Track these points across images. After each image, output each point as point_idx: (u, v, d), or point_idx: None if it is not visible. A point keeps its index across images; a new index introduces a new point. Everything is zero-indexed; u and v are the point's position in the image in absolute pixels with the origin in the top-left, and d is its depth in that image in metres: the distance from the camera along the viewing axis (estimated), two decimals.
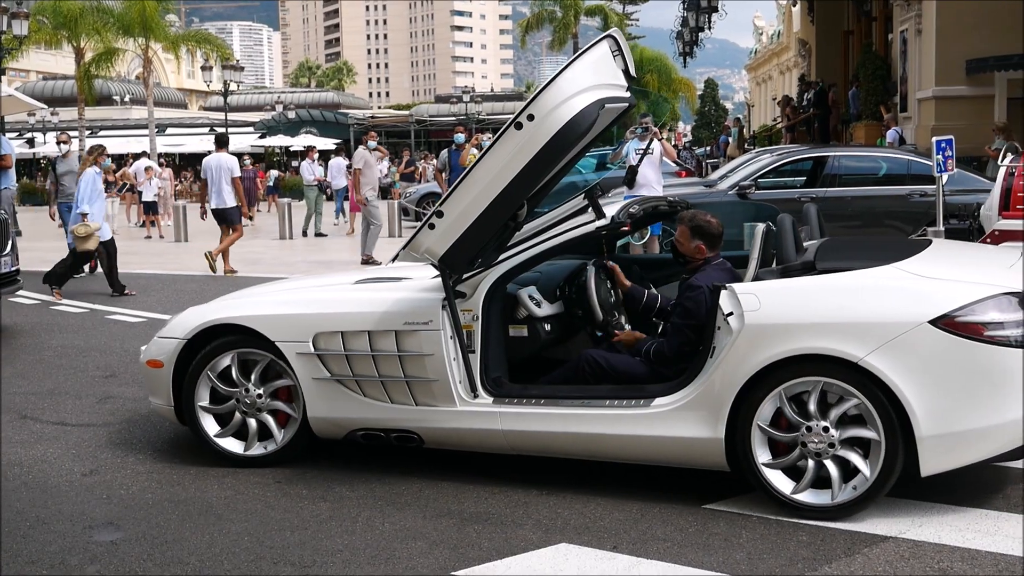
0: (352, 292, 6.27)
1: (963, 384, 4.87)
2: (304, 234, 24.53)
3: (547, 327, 6.11)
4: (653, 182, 13.88)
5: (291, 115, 60.76)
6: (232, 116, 54.70)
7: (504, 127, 5.27)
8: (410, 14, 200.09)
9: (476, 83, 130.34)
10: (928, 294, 4.98)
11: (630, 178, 14.09)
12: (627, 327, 6.32)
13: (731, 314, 5.18)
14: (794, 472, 5.17)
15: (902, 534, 4.89)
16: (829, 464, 5.06)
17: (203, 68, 50.25)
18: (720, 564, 4.60)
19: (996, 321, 4.86)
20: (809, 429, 5.05)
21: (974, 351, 4.84)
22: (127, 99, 70.18)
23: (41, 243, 21.21)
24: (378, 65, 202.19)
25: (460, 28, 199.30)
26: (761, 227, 5.85)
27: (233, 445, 6.18)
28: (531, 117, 5.15)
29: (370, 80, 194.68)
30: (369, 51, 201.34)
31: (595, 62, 5.34)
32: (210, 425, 6.21)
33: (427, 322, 5.68)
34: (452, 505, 5.40)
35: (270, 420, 6.14)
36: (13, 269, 11.25)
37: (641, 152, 13.97)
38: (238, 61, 51.49)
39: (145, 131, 48.51)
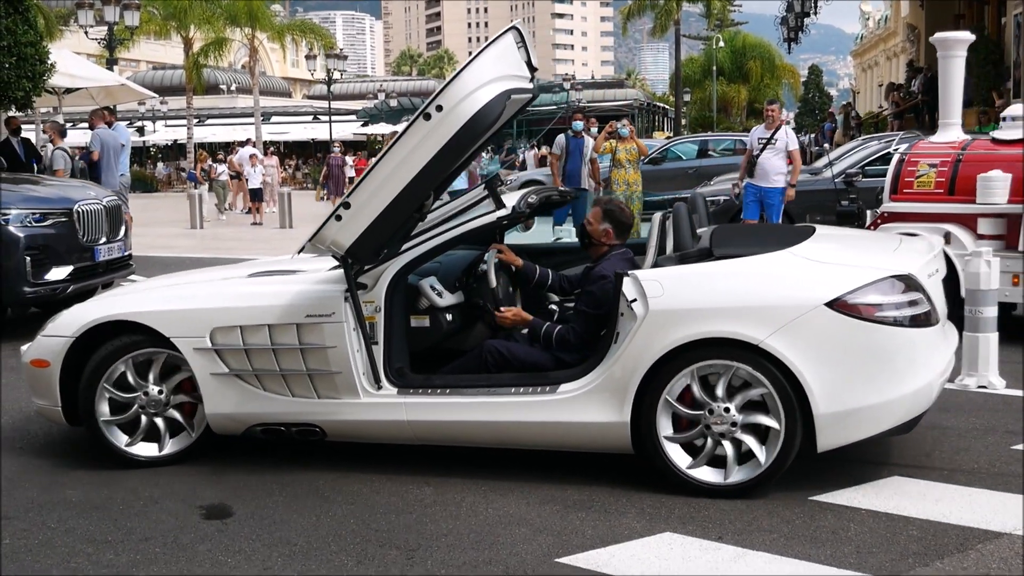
0: (249, 286, 6.16)
1: (856, 363, 5.11)
2: None
3: (449, 317, 6.11)
4: (772, 172, 13.55)
5: (393, 103, 61.21)
6: (335, 104, 55.33)
7: (412, 118, 5.31)
8: (511, 2, 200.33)
9: (576, 70, 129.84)
10: (822, 278, 5.21)
11: (750, 167, 13.86)
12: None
13: (635, 300, 5.30)
14: (694, 451, 5.32)
15: (1016, 530, 4.76)
16: (727, 444, 5.23)
17: (307, 57, 50.88)
18: (828, 558, 4.53)
19: (886, 302, 5.12)
20: (711, 411, 5.21)
21: (866, 331, 5.09)
22: (233, 88, 71.45)
23: (151, 229, 21.74)
24: None
25: (561, 16, 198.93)
26: (659, 215, 6.05)
27: (147, 450, 6.06)
28: (440, 108, 5.20)
29: None
30: (470, 39, 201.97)
31: (501, 53, 5.38)
32: (118, 437, 6.06)
33: (329, 314, 5.67)
34: (556, 492, 5.40)
35: (178, 415, 6.07)
36: (126, 254, 11.60)
37: (764, 141, 13.69)
38: (341, 50, 52.05)
39: (250, 119, 49.37)
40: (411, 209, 5.59)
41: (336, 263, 5.82)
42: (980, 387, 7.36)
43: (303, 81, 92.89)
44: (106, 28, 28.15)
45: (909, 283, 5.25)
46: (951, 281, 8.99)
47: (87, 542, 4.93)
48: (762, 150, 13.61)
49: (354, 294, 5.65)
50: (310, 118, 63.69)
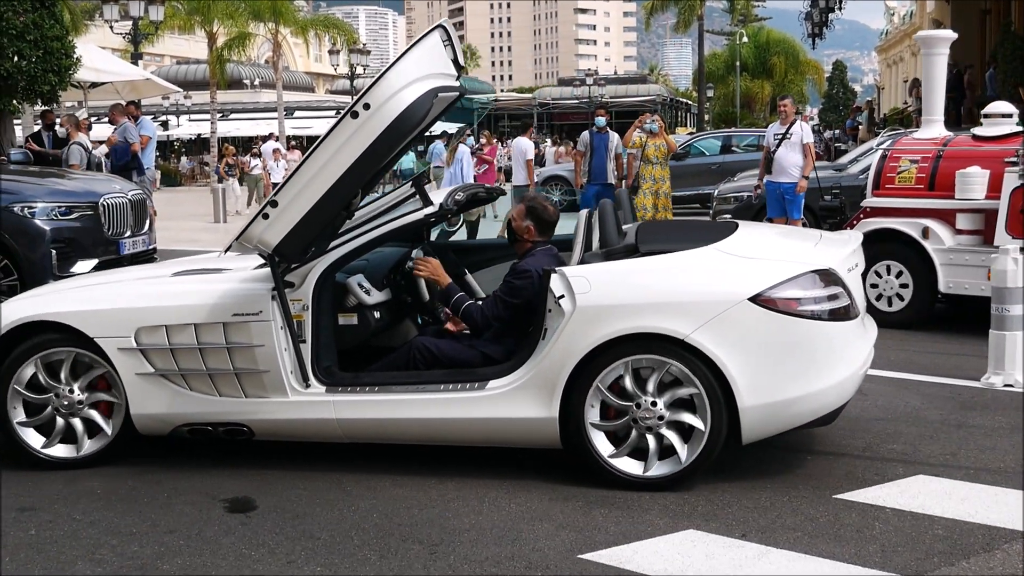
0: (175, 285, 6.06)
1: (779, 356, 5.21)
2: None
3: (376, 315, 6.12)
4: (789, 167, 13.49)
5: None
6: None
7: (339, 116, 5.32)
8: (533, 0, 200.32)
9: (599, 66, 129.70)
10: (746, 273, 5.29)
11: (767, 163, 13.80)
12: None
13: (562, 297, 5.35)
14: (618, 442, 5.40)
15: None
16: (650, 438, 5.31)
17: (331, 52, 50.94)
18: (852, 556, 4.51)
19: (807, 296, 5.22)
20: (639, 405, 5.28)
21: (788, 325, 5.19)
22: (257, 83, 71.60)
23: (175, 223, 21.83)
24: (501, 48, 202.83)
25: (583, 11, 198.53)
26: (584, 212, 6.08)
27: (64, 451, 5.96)
28: (367, 106, 5.21)
29: (493, 63, 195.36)
30: (492, 34, 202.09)
31: (428, 51, 5.42)
32: (34, 439, 5.96)
33: (257, 313, 5.64)
34: (578, 488, 5.38)
35: (95, 415, 5.97)
36: (151, 247, 11.66)
37: (780, 136, 13.62)
38: (364, 45, 52.05)
39: (274, 114, 49.52)
40: (339, 207, 5.57)
41: (263, 261, 5.77)
42: (1007, 385, 7.31)
43: (326, 76, 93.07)
44: (131, 23, 28.28)
45: (829, 278, 5.34)
46: (929, 274, 9.19)
47: (112, 534, 4.95)
48: (778, 146, 13.56)
49: (281, 292, 5.62)
50: (333, 113, 63.77)
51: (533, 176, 16.85)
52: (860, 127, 32.43)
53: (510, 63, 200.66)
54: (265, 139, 33.65)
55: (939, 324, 9.78)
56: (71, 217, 10.38)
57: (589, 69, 75.08)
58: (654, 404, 5.27)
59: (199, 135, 59.03)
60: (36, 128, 18.23)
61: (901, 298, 9.67)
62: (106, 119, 18.58)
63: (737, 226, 5.88)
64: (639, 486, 5.30)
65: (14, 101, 16.81)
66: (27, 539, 4.92)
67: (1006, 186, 8.86)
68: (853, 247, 5.87)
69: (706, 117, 54.24)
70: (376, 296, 6.12)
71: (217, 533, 4.94)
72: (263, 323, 5.63)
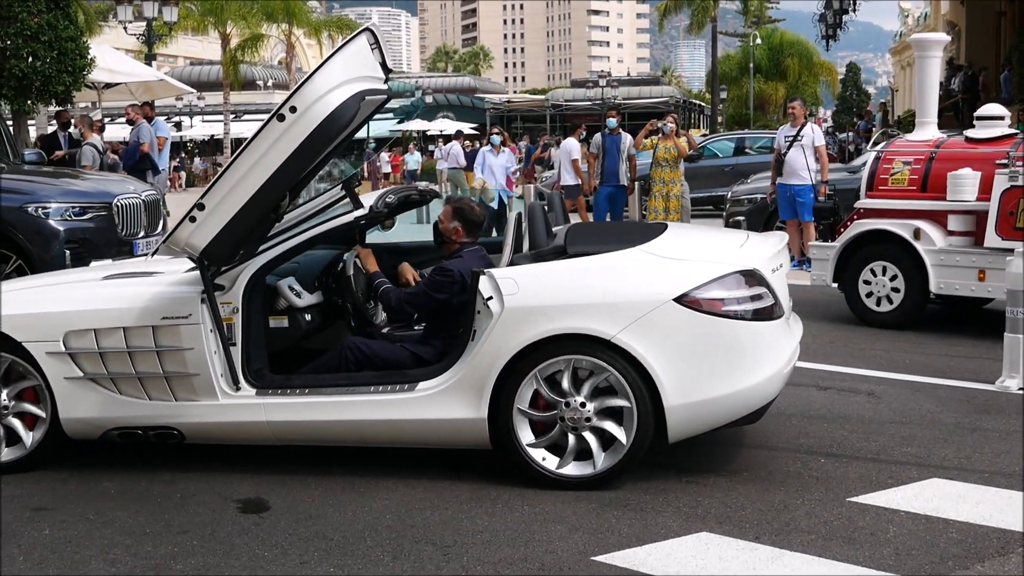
0: (104, 288, 6.07)
1: (704, 356, 5.28)
2: None
3: (307, 317, 6.15)
4: (799, 169, 13.45)
5: (428, 99, 61.39)
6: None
7: (266, 119, 5.32)
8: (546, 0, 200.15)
9: (612, 67, 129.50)
10: (671, 274, 5.38)
11: (778, 165, 13.77)
12: (383, 315, 6.55)
13: (491, 298, 5.41)
14: (558, 449, 5.45)
15: None
16: (588, 436, 5.37)
17: None
18: (866, 559, 4.49)
19: (731, 297, 5.30)
20: (567, 405, 5.34)
21: (713, 325, 5.27)
22: (270, 84, 71.70)
23: None
24: (514, 50, 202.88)
25: (597, 12, 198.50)
26: (514, 214, 6.14)
27: None
28: (293, 109, 5.22)
29: (506, 64, 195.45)
30: (505, 36, 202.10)
31: (355, 55, 5.40)
32: None
33: (186, 316, 5.64)
34: (592, 490, 5.37)
35: (17, 424, 5.91)
36: None
37: (790, 139, 13.59)
38: None
39: None
40: (266, 210, 5.58)
41: (192, 264, 5.77)
42: (1021, 389, 7.28)
43: None
44: (145, 24, 28.35)
45: (753, 278, 5.41)
46: (920, 275, 9.22)
47: (126, 534, 4.96)
48: (789, 148, 13.53)
49: (211, 295, 5.64)
50: None
51: (581, 175, 16.85)
52: (873, 129, 32.33)
53: (523, 64, 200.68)
54: None
55: (953, 327, 9.76)
56: (85, 217, 10.40)
57: (602, 71, 75.01)
58: (583, 406, 5.33)
59: (212, 136, 59.14)
60: (51, 129, 18.30)
61: (891, 300, 9.70)
62: (120, 119, 18.64)
63: (666, 228, 5.97)
64: (548, 481, 5.37)
65: (28, 101, 16.85)
66: (41, 538, 4.93)
67: (996, 188, 8.89)
68: (778, 248, 5.94)
69: (719, 119, 54.16)
70: (307, 299, 6.15)
71: (230, 533, 4.95)
72: (192, 326, 5.64)
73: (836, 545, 4.65)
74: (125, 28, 28.81)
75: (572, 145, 17.69)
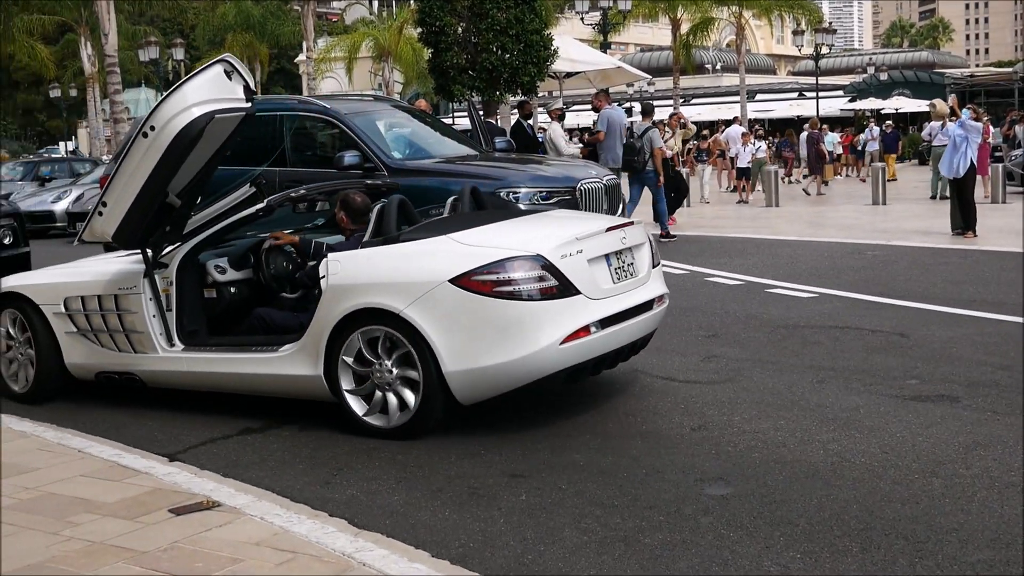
0: (96, 264, 7.94)
1: (476, 330, 6.06)
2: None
3: (232, 289, 7.54)
4: None
5: (882, 76, 59.07)
6: (821, 80, 54.19)
7: (134, 135, 6.71)
8: None
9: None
10: (456, 258, 6.16)
11: None
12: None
13: (324, 276, 6.49)
14: (367, 401, 6.45)
15: None
16: (390, 395, 6.33)
17: (794, 32, 50.24)
18: None
19: (504, 279, 6.01)
20: (380, 366, 6.29)
21: (483, 304, 6.03)
22: (718, 67, 72.06)
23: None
24: (976, 20, 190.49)
25: None
26: (378, 206, 6.87)
27: None
28: (152, 127, 6.54)
29: (967, 37, 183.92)
30: (967, 6, 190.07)
31: (207, 81, 6.62)
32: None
33: (133, 287, 7.24)
34: None
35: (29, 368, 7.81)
36: None
37: None
38: (830, 24, 50.84)
39: (735, 98, 49.57)
40: (151, 207, 6.89)
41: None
42: None
43: (788, 57, 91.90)
44: (599, 13, 29.35)
45: (535, 262, 6.09)
46: None
47: (595, 504, 5.17)
48: None
49: (149, 272, 7.19)
50: (795, 95, 62.81)
51: None
52: None
53: (986, 36, 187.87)
54: (728, 123, 33.64)
55: None
56: (551, 202, 10.90)
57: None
58: (390, 372, 6.26)
59: (661, 121, 60.17)
60: (514, 118, 19.41)
61: None
62: (586, 106, 19.41)
63: (523, 214, 7.19)
64: (388, 434, 6.29)
65: (497, 92, 17.97)
66: (519, 504, 5.24)
67: None
68: (591, 231, 6.56)
69: None
70: (231, 274, 7.54)
71: (695, 511, 5.02)
72: (137, 295, 7.22)
73: None
74: (582, 18, 30.07)
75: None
